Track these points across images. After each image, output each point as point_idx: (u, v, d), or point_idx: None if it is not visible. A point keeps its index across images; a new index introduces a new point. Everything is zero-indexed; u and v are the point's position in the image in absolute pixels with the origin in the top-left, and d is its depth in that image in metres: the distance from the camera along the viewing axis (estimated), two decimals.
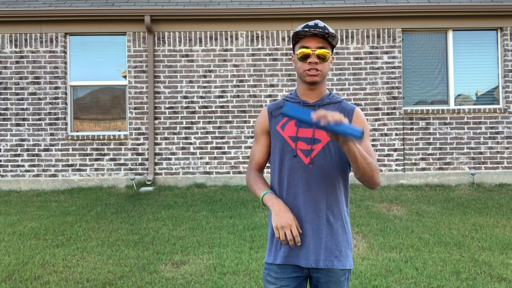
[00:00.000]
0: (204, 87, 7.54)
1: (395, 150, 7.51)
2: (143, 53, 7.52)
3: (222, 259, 3.94)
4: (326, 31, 1.65)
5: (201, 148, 7.51)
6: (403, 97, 7.64)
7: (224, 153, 7.51)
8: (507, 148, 7.51)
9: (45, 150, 7.45)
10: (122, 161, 7.48)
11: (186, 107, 7.52)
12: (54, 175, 7.46)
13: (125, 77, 7.66)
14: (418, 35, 7.68)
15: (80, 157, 7.46)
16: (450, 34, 7.62)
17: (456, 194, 6.71)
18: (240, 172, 7.51)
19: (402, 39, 7.64)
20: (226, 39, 7.56)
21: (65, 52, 7.56)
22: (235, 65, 7.54)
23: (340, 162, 1.71)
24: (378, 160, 7.48)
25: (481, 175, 7.46)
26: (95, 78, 7.63)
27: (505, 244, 4.30)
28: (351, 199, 6.27)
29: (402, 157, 7.50)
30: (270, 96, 7.53)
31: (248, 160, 7.19)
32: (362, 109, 7.51)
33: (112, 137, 7.45)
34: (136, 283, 3.46)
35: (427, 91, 7.66)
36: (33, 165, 7.44)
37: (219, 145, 7.52)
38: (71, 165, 7.46)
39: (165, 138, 7.51)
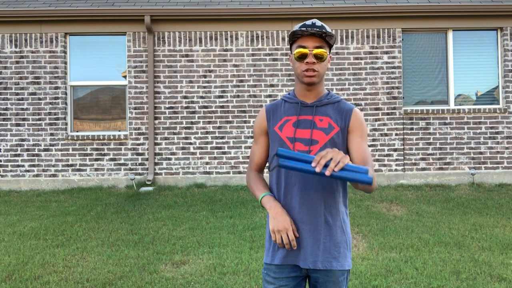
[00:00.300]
0: (204, 87, 7.54)
1: (395, 150, 7.50)
2: (143, 53, 7.53)
3: (222, 259, 3.94)
4: (323, 30, 1.64)
5: (201, 148, 7.52)
6: (403, 97, 7.63)
7: (224, 153, 7.51)
8: (507, 148, 7.51)
9: (45, 150, 7.45)
10: (122, 161, 7.48)
11: (186, 107, 7.52)
12: (54, 175, 7.46)
13: (125, 77, 7.66)
14: (418, 35, 7.67)
15: (80, 157, 7.46)
16: (450, 34, 7.61)
17: (456, 194, 6.70)
18: (240, 172, 7.50)
19: (402, 39, 7.63)
20: (226, 39, 7.56)
21: (65, 52, 7.57)
22: (235, 65, 7.54)
23: None
24: (378, 160, 7.48)
25: (481, 175, 7.46)
26: (95, 78, 7.64)
27: (505, 244, 4.30)
28: (351, 199, 6.27)
29: (402, 157, 7.49)
30: (270, 96, 7.53)
31: (248, 160, 7.19)
32: (362, 109, 7.51)
33: (112, 137, 7.46)
34: (136, 283, 3.46)
35: (427, 91, 7.66)
36: (33, 165, 7.45)
37: (219, 145, 7.52)
38: (71, 165, 7.46)
39: (165, 138, 7.51)
